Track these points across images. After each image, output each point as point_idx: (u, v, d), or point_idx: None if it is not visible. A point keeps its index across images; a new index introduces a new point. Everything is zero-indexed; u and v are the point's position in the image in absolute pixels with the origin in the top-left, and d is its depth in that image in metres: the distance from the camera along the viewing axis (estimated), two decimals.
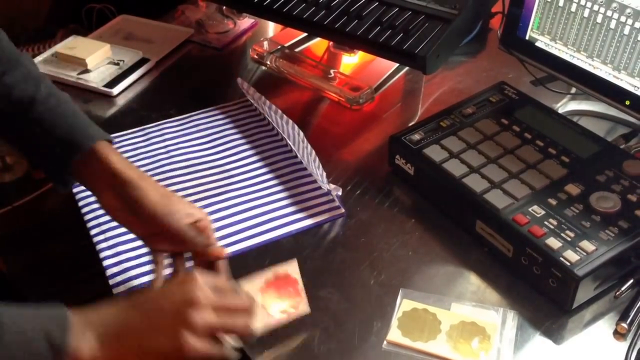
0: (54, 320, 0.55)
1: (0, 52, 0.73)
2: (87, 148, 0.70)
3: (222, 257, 0.71)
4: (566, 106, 1.01)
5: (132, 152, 0.96)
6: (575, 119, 0.96)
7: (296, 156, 0.93)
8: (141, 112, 1.06)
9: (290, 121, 0.93)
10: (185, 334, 0.57)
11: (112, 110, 1.08)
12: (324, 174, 0.86)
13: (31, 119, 0.71)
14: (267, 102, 0.98)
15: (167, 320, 0.58)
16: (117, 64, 1.14)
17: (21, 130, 0.72)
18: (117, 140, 0.98)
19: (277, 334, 0.71)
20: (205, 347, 0.58)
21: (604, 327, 0.71)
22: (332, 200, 0.86)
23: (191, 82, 1.15)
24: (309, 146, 0.89)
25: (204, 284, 0.60)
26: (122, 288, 0.76)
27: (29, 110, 0.71)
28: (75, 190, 0.90)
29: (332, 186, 0.85)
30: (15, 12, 1.41)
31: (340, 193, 0.86)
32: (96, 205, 0.87)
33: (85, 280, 0.99)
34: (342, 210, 0.85)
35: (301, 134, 0.90)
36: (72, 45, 1.16)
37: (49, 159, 0.72)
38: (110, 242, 0.82)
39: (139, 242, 0.81)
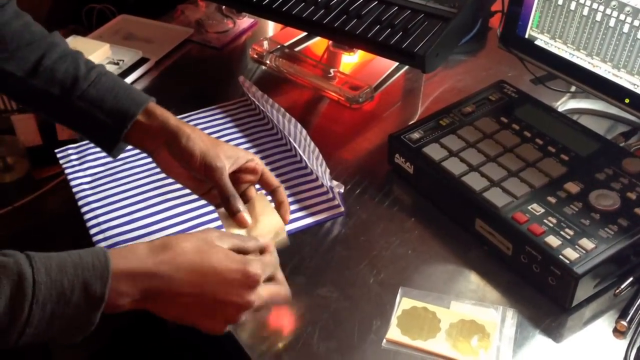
0: (96, 272, 0.56)
1: (34, 36, 0.76)
2: (136, 115, 0.73)
3: (282, 197, 0.76)
4: (566, 104, 1.01)
5: (132, 151, 0.96)
6: (574, 117, 0.96)
7: (296, 155, 0.93)
8: None
9: (293, 119, 0.93)
10: (229, 320, 0.62)
11: None
12: (327, 171, 0.86)
13: (77, 97, 0.73)
14: (270, 100, 0.98)
15: (219, 306, 0.61)
16: (117, 64, 1.14)
17: (69, 109, 0.74)
18: None
19: (277, 332, 0.71)
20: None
21: (604, 325, 0.71)
22: (332, 199, 0.86)
23: (191, 81, 1.15)
24: (312, 144, 0.89)
25: (260, 269, 0.62)
26: None
27: (73, 88, 0.73)
28: (75, 189, 0.90)
29: (335, 183, 0.86)
30: None
31: (342, 190, 0.86)
32: (96, 205, 0.87)
33: None
34: (342, 208, 0.85)
35: (304, 132, 0.90)
36: (71, 45, 1.15)
37: (100, 131, 0.75)
38: (110, 242, 0.82)
39: (139, 242, 0.81)
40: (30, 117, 1.91)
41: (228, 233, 0.69)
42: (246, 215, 0.72)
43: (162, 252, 0.60)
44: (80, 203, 0.88)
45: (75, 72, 0.74)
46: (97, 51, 1.13)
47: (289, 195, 0.87)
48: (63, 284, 0.55)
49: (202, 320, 0.62)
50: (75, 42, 1.16)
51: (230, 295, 0.61)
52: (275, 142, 0.97)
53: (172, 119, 0.74)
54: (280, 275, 0.67)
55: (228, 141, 0.98)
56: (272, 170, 0.92)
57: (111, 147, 0.76)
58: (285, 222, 0.75)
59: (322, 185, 0.88)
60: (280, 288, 0.66)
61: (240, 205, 0.72)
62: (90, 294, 0.55)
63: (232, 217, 0.72)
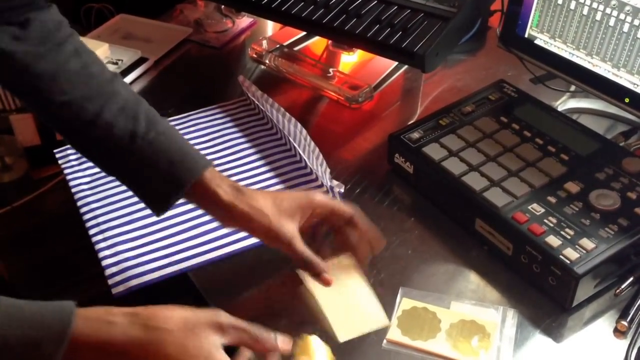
0: (51, 332, 0.51)
1: (92, 81, 0.71)
2: (190, 184, 0.68)
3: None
4: (566, 104, 1.01)
5: None
6: (574, 116, 0.96)
7: (296, 155, 0.93)
8: None
9: (293, 119, 0.93)
10: None
11: None
12: (328, 170, 0.86)
13: (133, 153, 0.69)
14: (270, 99, 0.98)
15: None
16: (116, 64, 1.14)
17: (123, 166, 0.71)
18: None
19: (277, 332, 0.70)
20: None
21: (604, 325, 0.71)
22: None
23: (190, 81, 1.15)
24: (312, 143, 0.89)
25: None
26: (121, 288, 0.76)
27: (130, 145, 0.69)
28: (74, 190, 0.90)
29: (335, 183, 0.85)
30: None
31: (342, 190, 0.86)
32: (95, 205, 0.87)
33: (84, 281, 0.99)
34: None
35: (304, 131, 0.90)
36: None
37: (151, 192, 0.71)
38: (109, 242, 0.81)
39: (138, 242, 0.81)
40: (28, 117, 1.91)
41: (239, 325, 0.59)
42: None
43: (142, 330, 0.53)
44: (79, 203, 0.87)
45: (134, 128, 0.69)
46: (95, 51, 1.12)
47: None
48: (7, 338, 0.50)
49: None
50: None
51: None
52: (275, 141, 0.97)
53: (224, 194, 0.68)
54: None
55: (227, 141, 0.97)
56: (271, 170, 0.92)
57: (161, 208, 0.71)
58: (375, 253, 0.71)
59: (322, 185, 0.88)
60: None
61: (322, 265, 0.68)
62: (41, 354, 0.50)
63: (316, 279, 0.68)
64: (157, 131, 0.70)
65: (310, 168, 0.90)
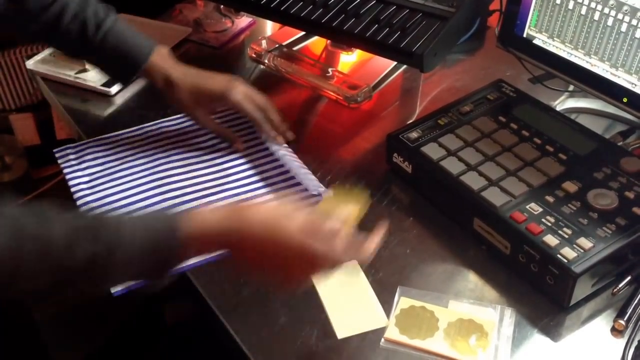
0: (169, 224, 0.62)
1: None
2: (141, 69, 0.93)
3: None
4: (564, 104, 1.01)
5: (130, 151, 0.96)
6: (573, 116, 0.96)
7: (279, 160, 0.93)
8: (139, 111, 1.06)
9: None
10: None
11: (110, 110, 1.08)
12: (313, 179, 0.87)
13: (91, 51, 0.93)
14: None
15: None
16: None
17: (86, 58, 1.01)
18: (114, 139, 0.98)
19: (277, 331, 0.71)
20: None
21: (602, 324, 0.71)
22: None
23: None
24: (293, 155, 0.92)
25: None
26: (119, 287, 0.76)
27: (85, 47, 0.92)
28: (73, 189, 0.90)
29: (322, 189, 0.86)
30: None
31: (331, 193, 0.86)
32: (94, 205, 0.87)
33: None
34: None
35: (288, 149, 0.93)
36: None
37: (113, 75, 1.00)
38: None
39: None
40: (28, 117, 1.91)
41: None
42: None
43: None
44: (78, 203, 0.88)
45: (85, 32, 0.91)
46: None
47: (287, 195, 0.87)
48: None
49: (279, 270, 0.64)
50: None
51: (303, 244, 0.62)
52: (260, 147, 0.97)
53: (158, 81, 0.94)
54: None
55: (225, 140, 0.98)
56: (270, 170, 0.92)
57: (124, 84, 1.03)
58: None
59: (306, 190, 0.87)
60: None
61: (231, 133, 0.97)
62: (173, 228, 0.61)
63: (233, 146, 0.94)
64: (104, 30, 0.91)
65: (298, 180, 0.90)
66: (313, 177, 0.88)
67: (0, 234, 0.54)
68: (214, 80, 0.93)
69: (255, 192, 0.88)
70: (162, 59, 0.94)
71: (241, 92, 0.93)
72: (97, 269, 0.58)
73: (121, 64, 0.93)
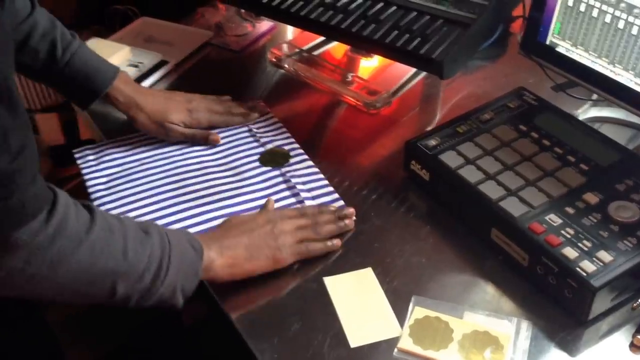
0: (190, 237, 0.75)
1: (19, 15, 0.88)
2: (103, 93, 0.94)
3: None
4: (587, 113, 0.99)
5: (148, 153, 0.96)
6: (596, 125, 0.95)
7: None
8: None
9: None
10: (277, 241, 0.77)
11: None
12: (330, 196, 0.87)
13: (56, 73, 0.92)
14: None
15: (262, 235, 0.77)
16: (137, 66, 1.15)
17: (50, 81, 0.95)
18: (133, 140, 0.99)
19: (289, 338, 0.70)
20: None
21: (621, 339, 0.70)
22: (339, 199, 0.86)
23: (209, 84, 1.15)
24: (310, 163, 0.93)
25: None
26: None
27: (51, 68, 0.91)
28: (90, 190, 0.91)
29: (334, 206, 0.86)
30: None
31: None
32: (111, 206, 0.88)
33: None
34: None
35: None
36: (91, 47, 1.16)
37: (74, 98, 0.97)
38: None
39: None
40: (53, 117, 1.94)
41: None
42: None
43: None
44: (95, 203, 0.88)
45: (54, 52, 0.90)
46: (116, 53, 1.14)
47: (302, 200, 0.87)
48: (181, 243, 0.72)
49: (268, 251, 0.76)
50: (96, 44, 1.17)
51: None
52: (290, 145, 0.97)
53: (122, 101, 0.96)
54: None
55: (243, 144, 0.97)
56: (285, 174, 0.92)
57: (83, 108, 0.97)
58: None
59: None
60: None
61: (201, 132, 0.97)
62: (194, 247, 0.73)
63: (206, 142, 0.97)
64: (71, 52, 0.92)
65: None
66: (330, 188, 0.88)
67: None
68: (175, 104, 0.97)
69: (276, 196, 0.88)
70: (124, 83, 0.96)
71: (202, 109, 0.98)
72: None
73: (85, 86, 0.93)
